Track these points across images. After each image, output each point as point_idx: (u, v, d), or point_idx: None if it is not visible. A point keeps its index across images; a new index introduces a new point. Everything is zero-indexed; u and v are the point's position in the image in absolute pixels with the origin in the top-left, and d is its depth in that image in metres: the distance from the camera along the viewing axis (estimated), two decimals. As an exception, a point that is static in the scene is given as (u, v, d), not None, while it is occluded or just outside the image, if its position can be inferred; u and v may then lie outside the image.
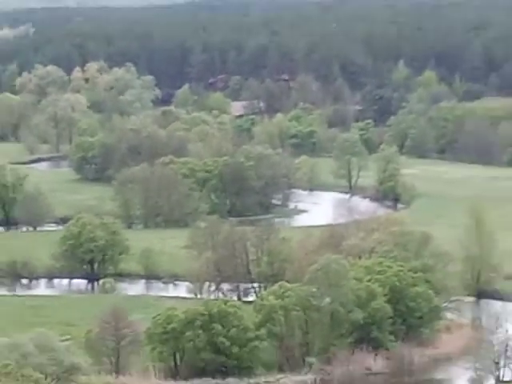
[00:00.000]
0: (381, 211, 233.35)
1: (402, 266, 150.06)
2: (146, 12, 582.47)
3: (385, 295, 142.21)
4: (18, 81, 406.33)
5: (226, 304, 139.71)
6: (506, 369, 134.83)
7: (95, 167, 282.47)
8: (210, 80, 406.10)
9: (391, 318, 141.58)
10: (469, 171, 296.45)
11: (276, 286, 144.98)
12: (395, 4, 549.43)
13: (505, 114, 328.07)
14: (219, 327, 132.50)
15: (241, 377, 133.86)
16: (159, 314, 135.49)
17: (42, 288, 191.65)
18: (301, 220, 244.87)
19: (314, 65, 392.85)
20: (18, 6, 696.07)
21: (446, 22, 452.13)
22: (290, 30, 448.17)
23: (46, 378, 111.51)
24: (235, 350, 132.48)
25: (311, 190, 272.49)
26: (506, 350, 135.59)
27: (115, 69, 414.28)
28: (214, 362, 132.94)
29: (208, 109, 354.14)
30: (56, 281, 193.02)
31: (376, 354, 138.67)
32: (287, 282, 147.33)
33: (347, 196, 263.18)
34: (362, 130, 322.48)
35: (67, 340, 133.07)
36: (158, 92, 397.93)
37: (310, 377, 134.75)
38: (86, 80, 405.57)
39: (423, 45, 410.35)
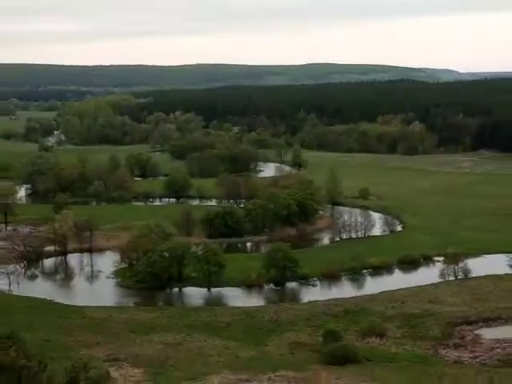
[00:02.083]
0: (293, 171, 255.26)
1: (302, 192, 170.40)
2: (200, 91, 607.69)
3: (296, 204, 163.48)
4: (147, 119, 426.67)
5: (231, 208, 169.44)
6: (344, 234, 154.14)
7: (178, 153, 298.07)
8: (225, 119, 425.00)
9: (298, 213, 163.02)
10: (329, 155, 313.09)
11: (252, 201, 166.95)
12: (300, 87, 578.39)
13: (343, 131, 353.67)
14: (228, 217, 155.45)
15: (237, 237, 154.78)
16: (205, 212, 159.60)
17: (157, 202, 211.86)
18: (261, 174, 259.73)
19: (266, 112, 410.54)
20: (145, 88, 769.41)
21: (323, 94, 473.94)
22: (258, 99, 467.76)
23: (158, 237, 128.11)
24: (235, 226, 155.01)
25: (265, 162, 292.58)
26: (344, 224, 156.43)
27: (187, 114, 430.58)
28: (226, 231, 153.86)
29: (224, 129, 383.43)
30: (166, 199, 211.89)
31: (292, 228, 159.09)
32: (256, 199, 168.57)
33: (280, 165, 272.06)
34: (286, 138, 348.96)
35: (167, 222, 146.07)
36: (203, 123, 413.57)
37: (265, 237, 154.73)
38: (175, 118, 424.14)
39: (309, 104, 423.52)
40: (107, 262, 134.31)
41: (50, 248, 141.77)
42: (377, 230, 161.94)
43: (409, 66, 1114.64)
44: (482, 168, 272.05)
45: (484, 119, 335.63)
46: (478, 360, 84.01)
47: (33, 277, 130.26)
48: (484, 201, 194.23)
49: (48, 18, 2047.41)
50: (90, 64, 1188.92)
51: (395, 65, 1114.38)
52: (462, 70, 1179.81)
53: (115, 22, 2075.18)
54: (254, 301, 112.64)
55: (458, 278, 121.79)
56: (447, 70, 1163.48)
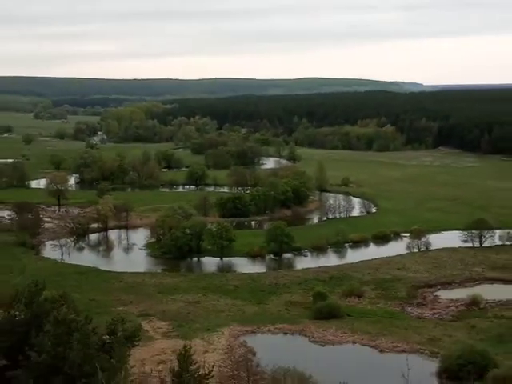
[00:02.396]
0: (289, 164, 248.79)
1: (296, 181, 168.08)
2: (215, 100, 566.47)
3: (291, 190, 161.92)
4: (172, 122, 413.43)
5: (240, 193, 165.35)
6: (330, 214, 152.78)
7: (198, 149, 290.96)
8: (235, 122, 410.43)
9: (293, 198, 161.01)
10: (318, 151, 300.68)
11: (256, 188, 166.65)
12: (295, 97, 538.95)
13: (329, 133, 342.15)
14: (237, 201, 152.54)
15: (244, 217, 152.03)
16: (219, 197, 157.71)
17: (180, 188, 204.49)
18: (263, 167, 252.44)
19: (268, 117, 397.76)
20: (171, 97, 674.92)
21: (313, 102, 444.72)
22: (261, 106, 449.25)
23: (181, 217, 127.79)
24: (242, 208, 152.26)
25: (266, 157, 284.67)
26: (329, 206, 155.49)
27: (204, 118, 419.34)
28: (236, 212, 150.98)
29: (234, 131, 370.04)
30: (187, 187, 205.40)
31: (288, 209, 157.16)
32: (259, 186, 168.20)
33: (278, 159, 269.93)
34: (283, 138, 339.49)
35: (188, 205, 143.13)
36: (217, 125, 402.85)
37: (266, 217, 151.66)
38: (195, 122, 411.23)
39: (302, 110, 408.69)
40: (140, 237, 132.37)
41: (94, 225, 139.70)
42: (356, 212, 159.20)
43: (383, 80, 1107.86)
44: (441, 162, 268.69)
45: (443, 123, 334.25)
46: (436, 316, 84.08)
47: (81, 248, 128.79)
48: (443, 188, 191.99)
49: (94, 41, 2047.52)
50: (128, 78, 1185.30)
51: (372, 79, 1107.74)
52: (425, 83, 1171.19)
53: (148, 44, 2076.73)
54: (257, 268, 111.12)
55: (421, 250, 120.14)
56: (413, 83, 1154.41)
